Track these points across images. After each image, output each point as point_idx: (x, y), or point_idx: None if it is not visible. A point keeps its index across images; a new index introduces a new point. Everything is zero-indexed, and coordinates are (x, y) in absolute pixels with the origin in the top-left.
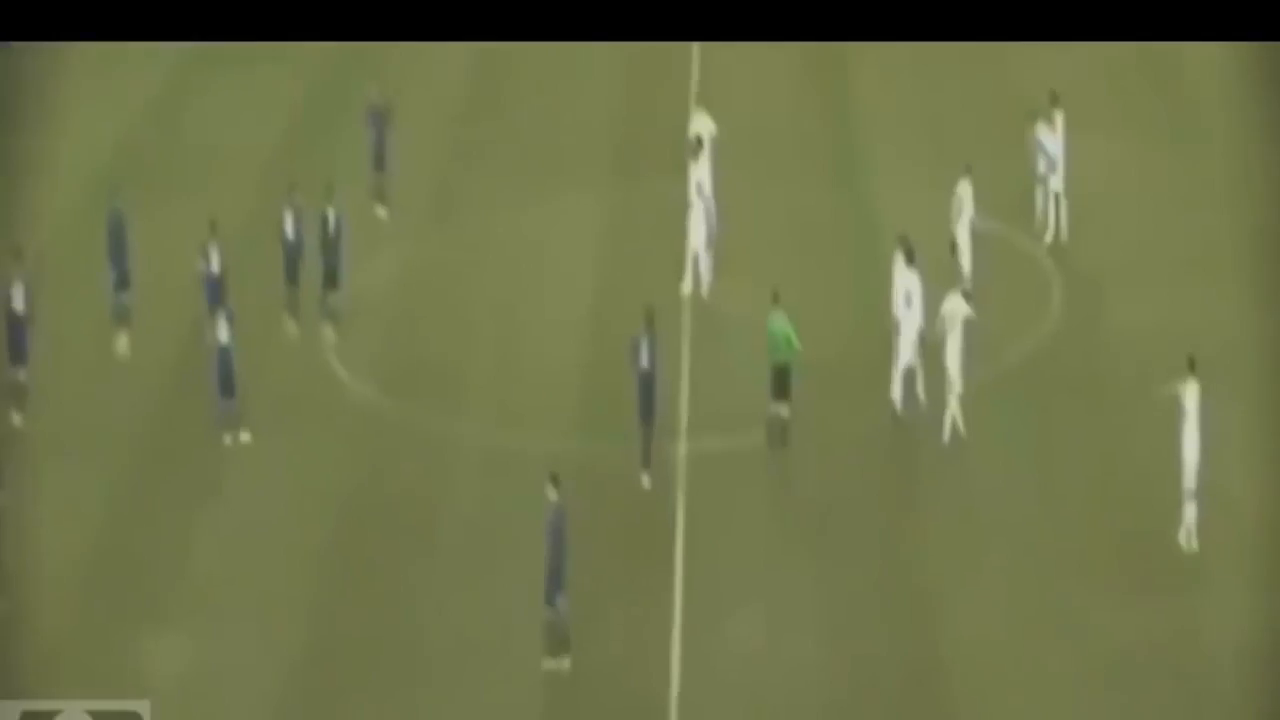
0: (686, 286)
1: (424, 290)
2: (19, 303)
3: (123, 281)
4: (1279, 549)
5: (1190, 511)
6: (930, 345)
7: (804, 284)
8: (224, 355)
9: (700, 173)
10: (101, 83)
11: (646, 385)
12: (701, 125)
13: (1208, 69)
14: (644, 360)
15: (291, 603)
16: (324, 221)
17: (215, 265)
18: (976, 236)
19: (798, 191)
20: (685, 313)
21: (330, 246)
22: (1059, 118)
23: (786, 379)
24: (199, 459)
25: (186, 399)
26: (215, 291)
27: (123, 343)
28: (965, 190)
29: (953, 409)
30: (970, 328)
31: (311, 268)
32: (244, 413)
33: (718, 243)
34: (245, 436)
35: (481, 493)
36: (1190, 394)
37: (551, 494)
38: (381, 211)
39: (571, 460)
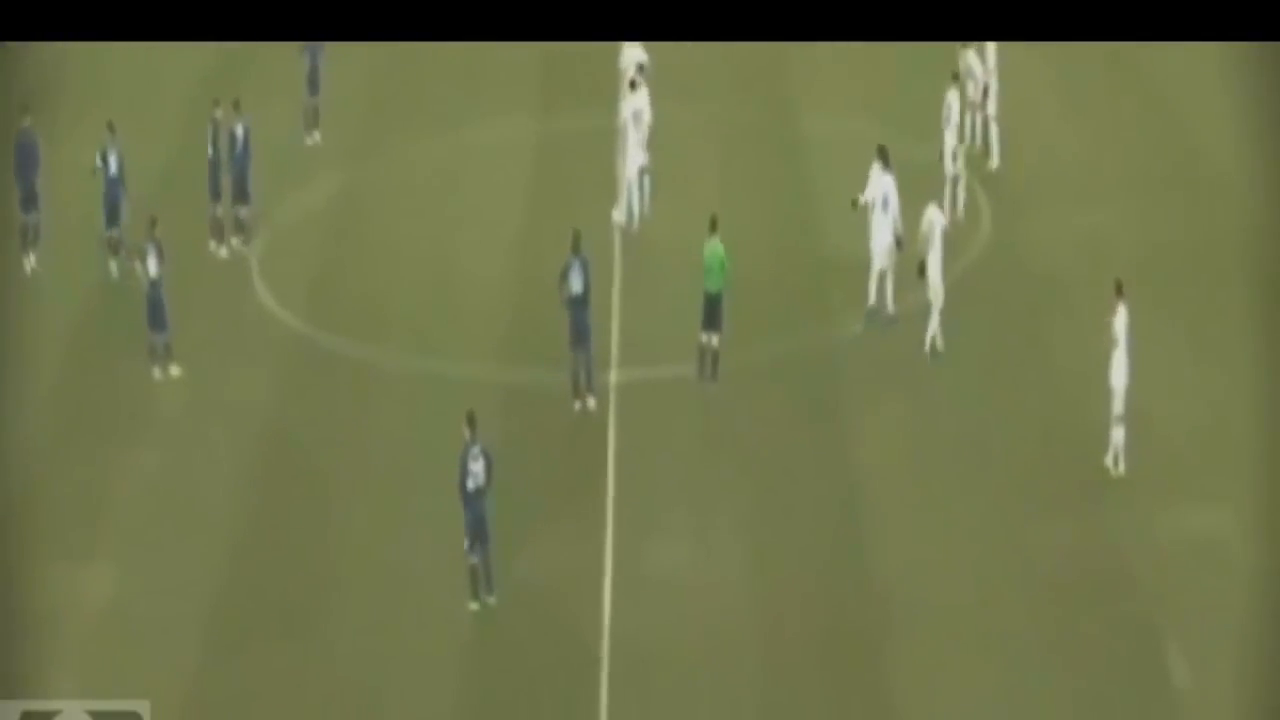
0: (620, 215)
1: (354, 218)
2: None
3: (29, 200)
4: (1205, 467)
5: (1118, 435)
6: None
7: (736, 210)
8: (154, 289)
9: (638, 101)
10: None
11: (577, 310)
12: (634, 55)
13: None
14: (574, 285)
15: (216, 538)
16: (231, 136)
17: (114, 167)
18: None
19: (729, 117)
20: (617, 241)
21: (238, 160)
22: (989, 43)
23: (718, 309)
24: (128, 393)
25: (114, 329)
26: (115, 193)
27: (29, 262)
28: (954, 98)
29: (934, 322)
30: (946, 238)
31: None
32: (173, 344)
33: (651, 171)
34: (175, 370)
35: (411, 422)
36: (1119, 318)
37: (465, 433)
38: (315, 136)
39: (501, 388)
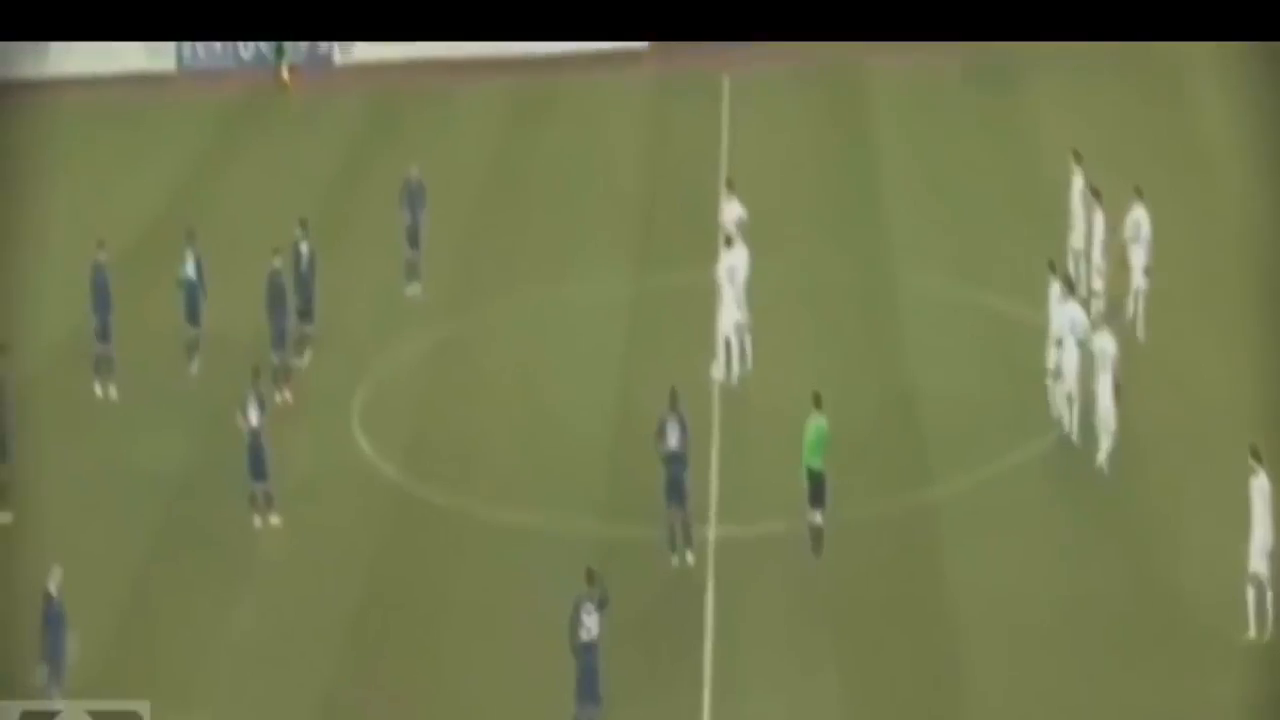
0: (718, 371)
1: (453, 370)
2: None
3: (104, 332)
4: None
5: (1255, 596)
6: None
7: (834, 368)
8: (254, 438)
9: (733, 258)
10: (129, 142)
11: (674, 466)
12: (731, 212)
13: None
14: (671, 441)
15: (312, 687)
16: (296, 255)
17: (192, 271)
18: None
19: (826, 274)
20: (715, 397)
21: (303, 280)
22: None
23: (822, 485)
24: (229, 540)
25: (216, 475)
26: (194, 297)
27: (104, 390)
28: (1141, 214)
29: (1104, 446)
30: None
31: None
32: (274, 493)
33: (750, 327)
34: (275, 520)
35: (509, 574)
36: (1259, 481)
37: (585, 587)
38: (415, 289)
39: (599, 542)
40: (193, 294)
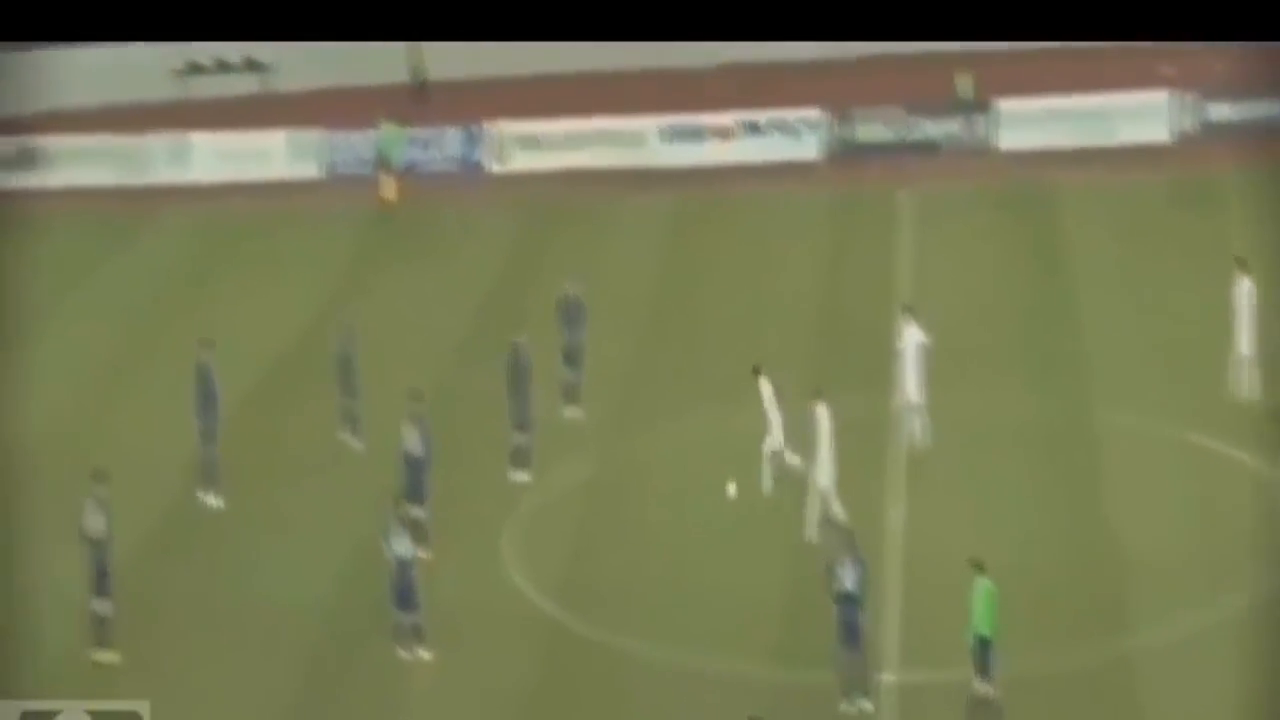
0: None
1: (614, 497)
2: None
3: (209, 435)
4: None
5: None
6: None
7: (1021, 504)
8: (403, 567)
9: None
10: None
11: (847, 607)
12: (911, 336)
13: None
14: (846, 581)
15: None
16: (510, 351)
17: (343, 348)
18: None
19: (1014, 403)
20: (899, 534)
21: (519, 383)
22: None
23: (988, 654)
24: (373, 674)
25: (357, 604)
26: (347, 369)
27: (210, 499)
28: (1246, 287)
29: None
30: None
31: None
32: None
33: (931, 453)
34: (425, 654)
35: (667, 718)
36: None
37: None
38: (574, 412)
39: (767, 686)
40: (346, 366)
